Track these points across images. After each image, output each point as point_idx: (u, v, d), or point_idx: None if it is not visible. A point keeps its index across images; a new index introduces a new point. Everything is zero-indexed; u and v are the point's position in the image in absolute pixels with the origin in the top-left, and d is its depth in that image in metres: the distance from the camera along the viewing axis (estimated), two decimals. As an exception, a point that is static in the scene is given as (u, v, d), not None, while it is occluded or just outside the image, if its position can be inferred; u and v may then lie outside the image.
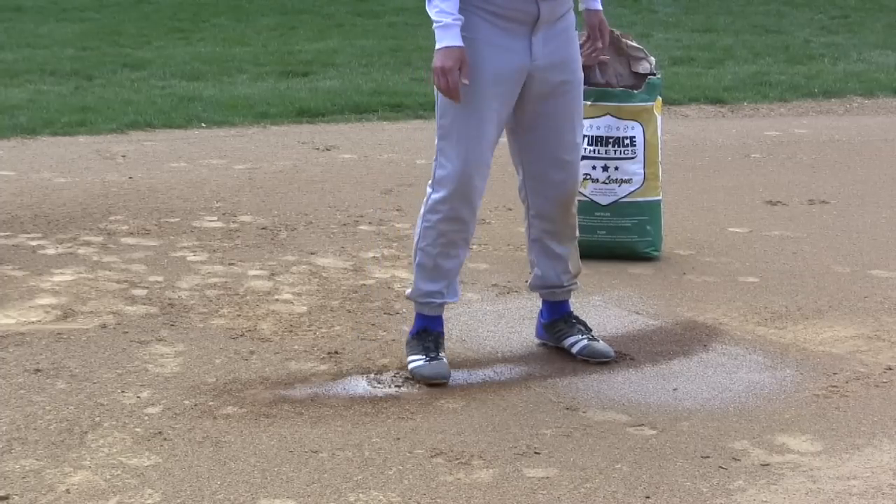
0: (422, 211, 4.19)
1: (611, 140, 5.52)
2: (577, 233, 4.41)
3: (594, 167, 5.54)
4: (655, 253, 5.67)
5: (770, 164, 7.89)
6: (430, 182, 4.17)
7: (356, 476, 3.45)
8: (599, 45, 4.40)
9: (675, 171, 7.20)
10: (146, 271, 5.29)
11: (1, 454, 3.53)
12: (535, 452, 3.63)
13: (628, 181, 5.58)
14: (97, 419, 3.79)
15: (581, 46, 4.33)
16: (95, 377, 4.12)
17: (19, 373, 4.15)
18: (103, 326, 4.61)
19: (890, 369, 4.35)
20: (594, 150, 5.54)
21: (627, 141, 5.55)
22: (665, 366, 4.37)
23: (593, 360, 4.35)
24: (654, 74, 5.59)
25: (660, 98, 5.64)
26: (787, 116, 9.72)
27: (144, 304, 4.87)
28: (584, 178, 5.45)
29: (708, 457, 3.62)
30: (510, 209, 6.45)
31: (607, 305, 4.85)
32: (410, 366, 4.19)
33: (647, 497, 3.37)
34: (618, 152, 5.55)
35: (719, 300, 5.10)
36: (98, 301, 4.88)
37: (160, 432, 3.70)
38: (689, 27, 14.03)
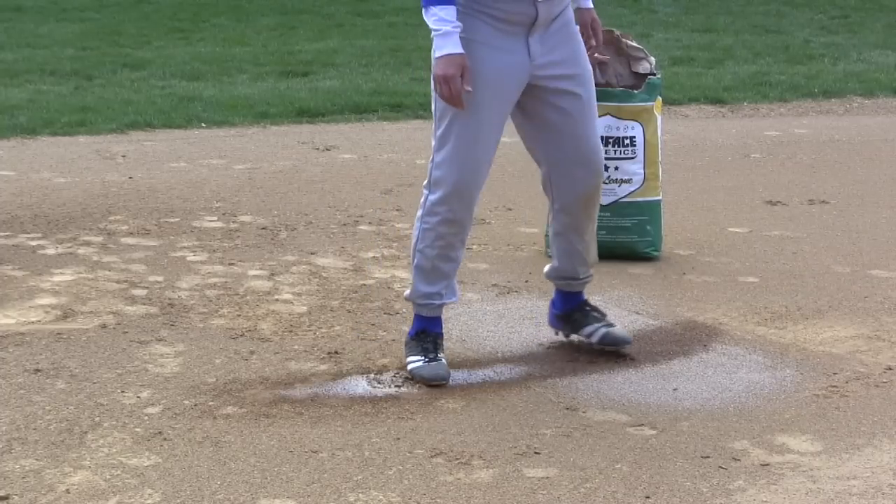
0: (419, 213, 4.19)
1: (611, 140, 5.52)
2: (596, 225, 4.43)
3: (594, 167, 5.54)
4: (655, 253, 5.67)
5: (770, 164, 7.89)
6: (425, 183, 4.17)
7: (356, 476, 3.45)
8: (593, 42, 4.39)
9: (675, 171, 7.20)
10: (146, 271, 5.29)
11: (1, 454, 3.53)
12: (535, 452, 3.63)
13: (628, 181, 5.58)
14: (97, 419, 3.79)
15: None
16: (95, 377, 4.12)
17: (19, 373, 4.15)
18: (103, 326, 4.61)
19: (890, 369, 4.35)
20: (594, 150, 5.54)
21: (627, 141, 5.55)
22: (665, 366, 4.37)
23: (613, 349, 4.38)
24: (654, 74, 5.59)
25: (660, 98, 5.64)
26: (787, 116, 9.72)
27: (144, 304, 4.87)
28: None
29: (708, 457, 3.62)
30: (510, 209, 6.45)
31: (607, 305, 4.85)
32: (409, 367, 4.19)
33: (647, 497, 3.37)
34: (618, 152, 5.55)
35: (719, 300, 5.10)
36: (98, 301, 4.88)
37: (160, 432, 3.70)
38: (689, 27, 14.03)
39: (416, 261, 4.22)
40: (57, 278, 5.15)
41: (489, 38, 4.03)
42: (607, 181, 5.56)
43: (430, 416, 3.88)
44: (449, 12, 3.92)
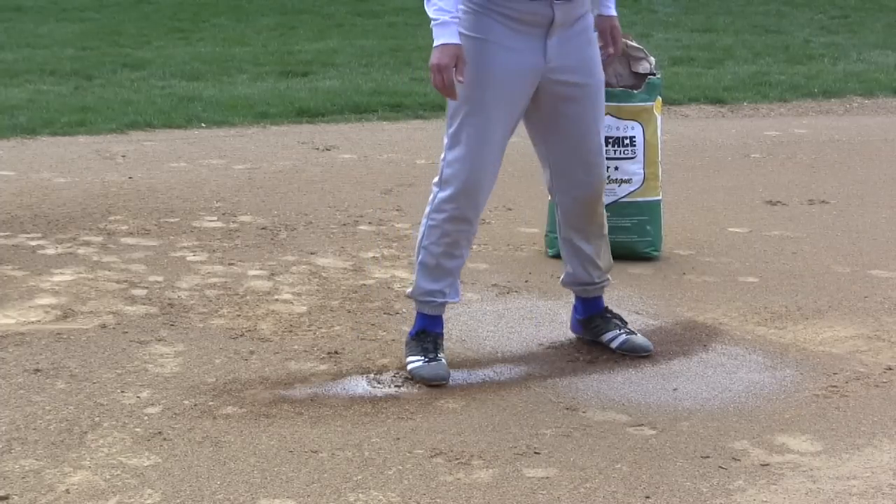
0: (427, 209, 4.19)
1: (610, 140, 5.52)
2: (606, 230, 4.43)
3: (594, 167, 5.54)
4: (655, 253, 5.67)
5: (770, 164, 7.89)
6: (435, 180, 4.17)
7: (356, 476, 3.45)
8: (611, 50, 4.40)
9: (675, 171, 7.20)
10: (146, 271, 5.29)
11: (1, 454, 3.53)
12: (535, 452, 3.63)
13: (628, 181, 5.58)
14: (97, 419, 3.78)
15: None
16: (95, 377, 4.12)
17: (19, 373, 4.15)
18: (103, 326, 4.61)
19: (890, 369, 4.35)
20: (594, 150, 5.54)
21: (627, 141, 5.55)
22: (665, 366, 4.37)
23: (633, 355, 4.38)
24: (654, 74, 5.59)
25: (660, 98, 5.64)
26: (787, 116, 9.72)
27: (144, 304, 4.87)
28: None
29: (708, 457, 3.62)
30: (510, 209, 6.45)
31: (607, 305, 4.84)
32: (409, 367, 4.19)
33: (647, 497, 3.37)
34: (617, 152, 5.55)
35: (719, 300, 5.10)
36: (98, 301, 4.88)
37: (160, 432, 3.70)
38: (689, 27, 14.03)
39: (420, 257, 4.22)
40: (57, 278, 5.15)
41: (502, 37, 4.02)
42: (607, 181, 5.55)
43: (430, 416, 3.88)
44: (448, 2, 3.91)
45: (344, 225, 6.13)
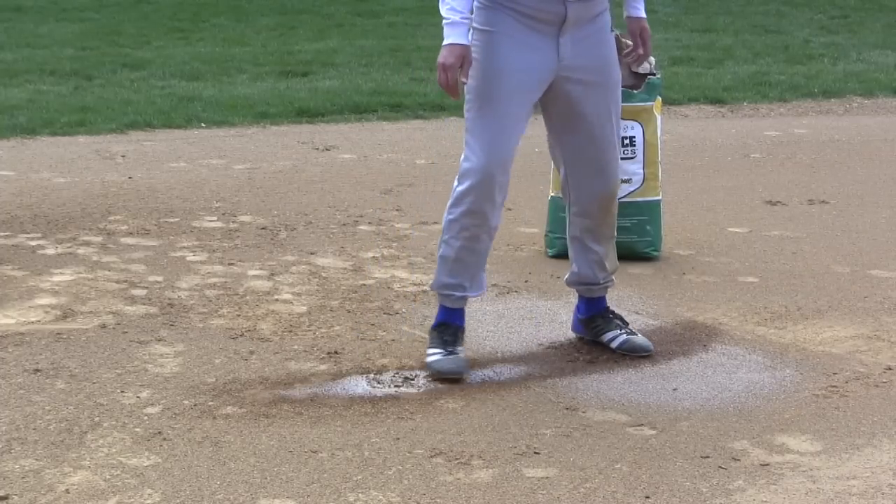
0: (448, 203, 4.21)
1: (611, 140, 5.51)
2: (615, 232, 4.44)
3: (594, 167, 5.54)
4: (655, 253, 5.67)
5: (770, 164, 7.89)
6: (457, 175, 4.19)
7: (356, 476, 3.45)
8: (641, 52, 4.41)
9: (675, 171, 7.20)
10: (146, 271, 5.29)
11: (1, 454, 3.53)
12: (535, 452, 3.63)
13: (628, 181, 5.58)
14: (97, 419, 3.78)
15: (627, 55, 4.35)
16: (95, 377, 4.12)
17: (19, 373, 4.14)
18: (103, 326, 4.61)
19: (890, 369, 4.34)
20: (594, 150, 5.53)
21: (627, 141, 5.55)
22: (665, 366, 4.37)
23: (633, 355, 4.38)
24: (654, 74, 5.59)
25: (659, 98, 5.64)
26: (787, 116, 9.72)
27: (144, 304, 4.86)
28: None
29: (708, 457, 3.62)
30: (510, 209, 6.44)
31: (608, 305, 4.84)
32: (428, 359, 4.20)
33: (647, 497, 3.37)
34: (618, 152, 5.55)
35: (719, 300, 5.10)
36: (98, 301, 4.88)
37: (160, 432, 3.70)
38: (688, 27, 14.03)
39: (441, 251, 4.26)
40: (57, 278, 5.15)
41: (514, 33, 4.04)
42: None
43: (429, 416, 3.88)
44: (461, 3, 3.94)
45: (344, 225, 6.13)
